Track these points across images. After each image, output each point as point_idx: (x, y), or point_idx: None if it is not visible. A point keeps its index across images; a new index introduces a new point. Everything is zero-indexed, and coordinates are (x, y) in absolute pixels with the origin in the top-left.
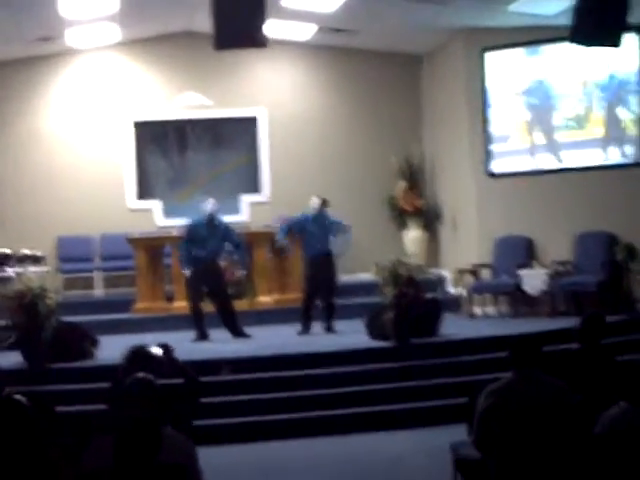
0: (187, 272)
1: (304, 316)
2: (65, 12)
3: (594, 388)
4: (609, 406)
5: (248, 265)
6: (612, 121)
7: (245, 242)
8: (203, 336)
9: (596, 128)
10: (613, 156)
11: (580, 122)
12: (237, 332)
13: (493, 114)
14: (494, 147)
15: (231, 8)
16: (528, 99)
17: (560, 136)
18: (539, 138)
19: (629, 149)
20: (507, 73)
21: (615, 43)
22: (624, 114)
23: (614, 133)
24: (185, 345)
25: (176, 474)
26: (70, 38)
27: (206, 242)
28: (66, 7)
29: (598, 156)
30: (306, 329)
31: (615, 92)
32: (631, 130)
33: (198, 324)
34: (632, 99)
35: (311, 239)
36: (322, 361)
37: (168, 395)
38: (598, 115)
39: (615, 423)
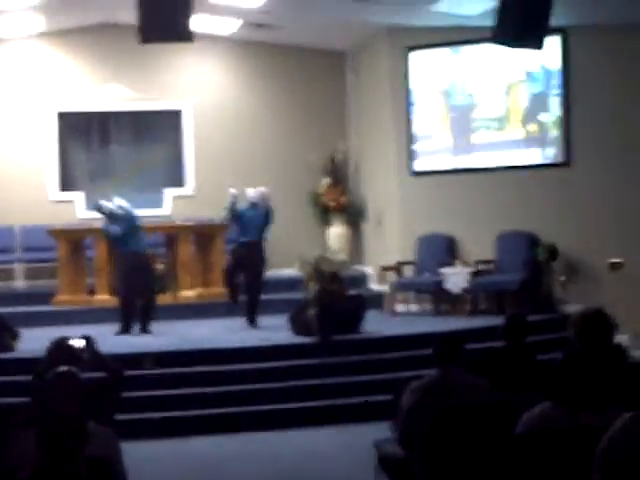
0: None
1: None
2: None
3: (516, 386)
4: (531, 405)
5: (171, 259)
6: (532, 122)
7: (168, 236)
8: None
9: (516, 129)
10: (534, 157)
11: (501, 123)
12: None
13: (416, 113)
14: (417, 146)
15: (157, 1)
16: (450, 99)
17: (481, 136)
18: (460, 138)
19: (550, 151)
20: (430, 72)
21: (537, 45)
22: (545, 116)
23: (535, 134)
24: (107, 338)
25: (101, 468)
26: None
27: None
28: None
29: (519, 157)
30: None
31: (536, 93)
32: (552, 131)
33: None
34: (553, 100)
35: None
36: (245, 356)
37: (91, 388)
38: (518, 116)
39: (535, 422)
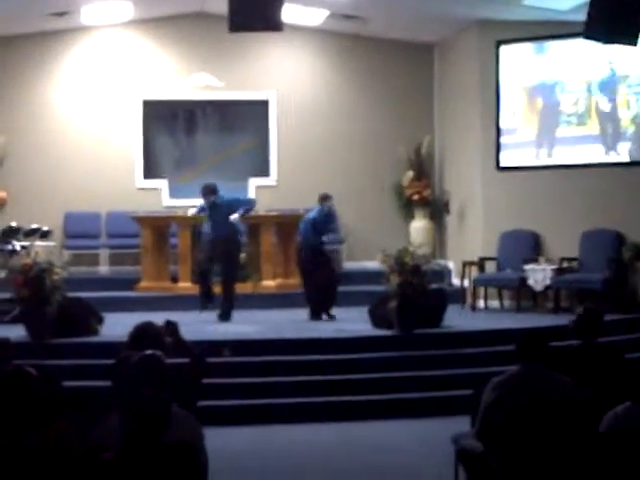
0: None
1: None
2: None
3: (597, 385)
4: (614, 404)
5: (253, 249)
6: (612, 119)
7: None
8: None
9: (596, 125)
10: (614, 154)
11: (581, 119)
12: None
13: (503, 107)
14: (503, 139)
15: None
16: (534, 94)
17: (563, 131)
18: (544, 133)
19: (629, 146)
20: (516, 67)
21: (631, 41)
22: (625, 113)
23: (613, 131)
24: (189, 325)
25: (184, 452)
26: (85, 15)
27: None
28: None
29: (599, 153)
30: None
31: (617, 90)
32: (630, 128)
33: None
34: (632, 98)
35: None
36: (324, 347)
37: (174, 374)
38: (599, 112)
39: (621, 421)
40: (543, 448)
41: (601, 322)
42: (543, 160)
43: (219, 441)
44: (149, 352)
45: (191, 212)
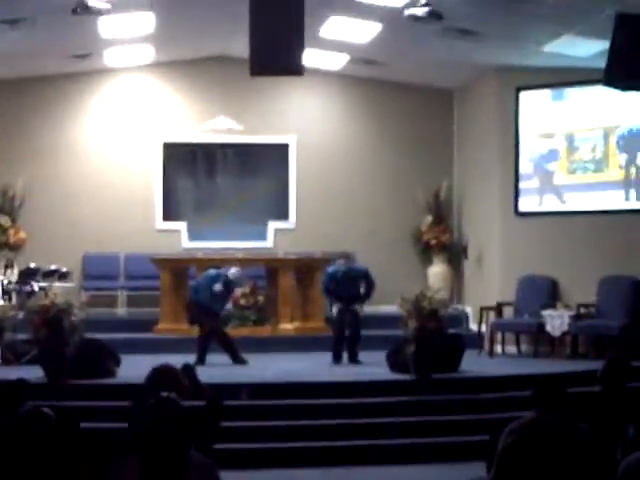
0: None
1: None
2: (104, 31)
3: (617, 432)
4: (632, 451)
5: (272, 291)
6: (631, 165)
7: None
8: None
9: (614, 172)
10: (632, 201)
11: (599, 165)
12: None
13: (522, 158)
14: (521, 185)
15: (270, 35)
16: (551, 139)
17: (579, 178)
18: (560, 179)
19: None
20: (535, 113)
21: None
22: None
23: (631, 177)
24: (205, 368)
25: None
26: (108, 57)
27: None
28: (105, 26)
29: (617, 199)
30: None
31: (635, 138)
32: None
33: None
34: None
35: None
36: (341, 391)
37: (191, 416)
38: (617, 159)
39: (633, 469)
40: None
41: (629, 368)
42: (559, 206)
43: None
44: (165, 394)
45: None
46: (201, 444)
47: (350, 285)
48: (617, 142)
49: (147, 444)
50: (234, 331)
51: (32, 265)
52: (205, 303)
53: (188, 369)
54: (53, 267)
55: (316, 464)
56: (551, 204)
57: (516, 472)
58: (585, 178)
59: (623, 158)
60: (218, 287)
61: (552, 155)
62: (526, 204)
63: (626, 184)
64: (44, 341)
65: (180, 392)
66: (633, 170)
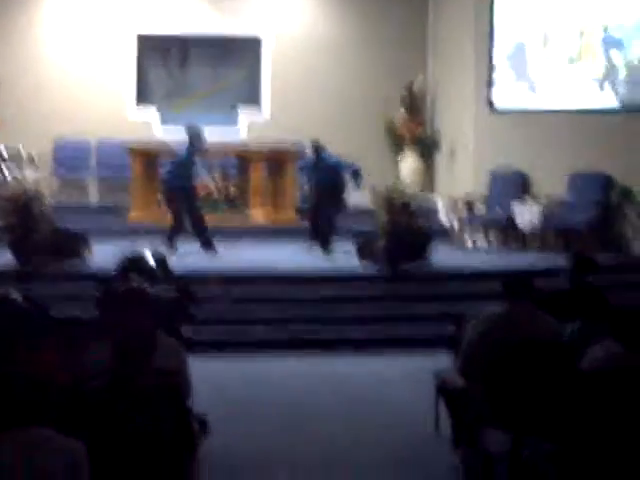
0: None
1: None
2: None
3: (583, 326)
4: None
5: (243, 183)
6: (605, 63)
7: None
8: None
9: (588, 68)
10: (606, 98)
11: (574, 61)
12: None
13: (496, 52)
14: (495, 79)
15: None
16: (528, 40)
17: (556, 75)
18: (536, 76)
19: (621, 91)
20: (511, 7)
21: None
22: (618, 58)
23: (606, 75)
24: (176, 256)
25: (169, 378)
26: None
27: None
28: None
29: (591, 96)
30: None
31: (614, 37)
32: (622, 72)
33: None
34: (632, 44)
35: None
36: (311, 281)
37: (162, 304)
38: (593, 57)
39: (603, 362)
40: (525, 385)
41: (594, 265)
42: (533, 102)
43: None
44: (134, 284)
45: None
46: (170, 329)
47: (323, 176)
48: (592, 40)
49: (116, 331)
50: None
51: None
52: (176, 173)
53: (159, 257)
54: (22, 151)
55: (285, 352)
56: (524, 96)
57: (482, 362)
58: (559, 73)
59: (599, 55)
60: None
61: (526, 50)
62: (500, 99)
63: (601, 81)
64: (14, 228)
65: (151, 279)
66: (604, 68)
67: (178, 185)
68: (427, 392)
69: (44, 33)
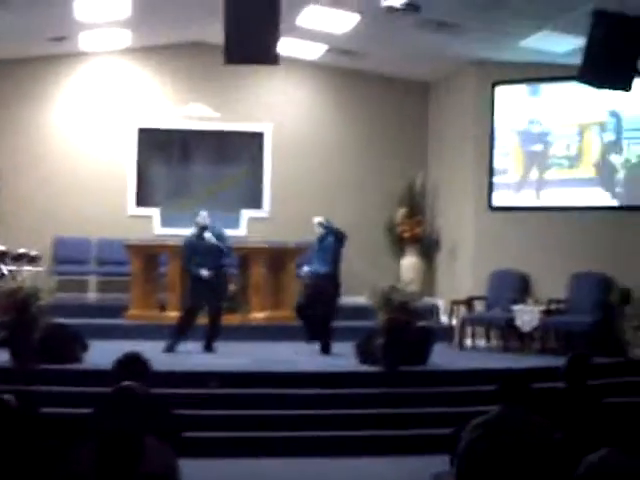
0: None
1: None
2: (79, 15)
3: (578, 428)
4: (593, 448)
5: (243, 280)
6: (605, 163)
7: (242, 257)
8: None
9: (587, 169)
10: (605, 198)
11: (572, 162)
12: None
13: (497, 148)
14: (496, 179)
15: (245, 23)
16: (526, 136)
17: (552, 174)
18: (534, 174)
19: (619, 190)
20: (511, 108)
21: (625, 87)
22: (616, 157)
23: (605, 175)
24: (176, 355)
25: None
26: (83, 41)
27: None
28: (81, 10)
29: (590, 196)
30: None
31: (609, 135)
32: (621, 172)
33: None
34: (625, 143)
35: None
36: (309, 381)
37: (154, 405)
38: (591, 156)
39: (598, 467)
40: None
41: (589, 365)
42: (533, 202)
43: (202, 473)
44: (124, 384)
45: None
46: (163, 432)
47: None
48: (591, 139)
49: (103, 431)
50: (204, 319)
51: (1, 248)
52: (212, 264)
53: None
54: (22, 250)
55: (281, 454)
56: (528, 199)
57: (478, 467)
58: (559, 174)
59: (597, 155)
60: (209, 235)
61: (525, 149)
62: (500, 198)
63: (595, 181)
64: (11, 325)
65: (146, 379)
66: (606, 167)
67: None
68: None
69: (46, 130)
